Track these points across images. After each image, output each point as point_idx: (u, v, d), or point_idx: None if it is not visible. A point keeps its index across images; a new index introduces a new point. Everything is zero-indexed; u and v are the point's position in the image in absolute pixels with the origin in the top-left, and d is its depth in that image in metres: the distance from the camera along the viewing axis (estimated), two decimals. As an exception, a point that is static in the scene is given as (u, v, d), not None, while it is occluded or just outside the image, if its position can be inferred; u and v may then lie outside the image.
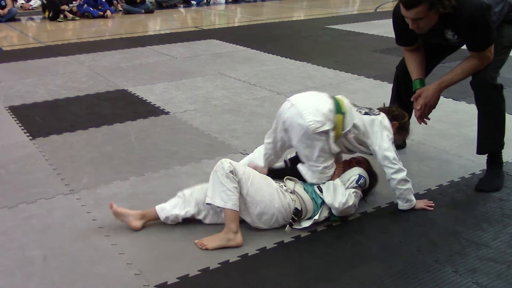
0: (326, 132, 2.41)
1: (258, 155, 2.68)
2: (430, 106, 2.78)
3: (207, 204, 2.34)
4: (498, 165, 2.87)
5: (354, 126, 2.50)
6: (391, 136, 2.53)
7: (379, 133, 2.50)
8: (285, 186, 2.46)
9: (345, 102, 2.53)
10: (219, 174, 2.28)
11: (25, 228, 2.50)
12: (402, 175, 2.48)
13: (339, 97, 2.56)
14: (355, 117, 2.51)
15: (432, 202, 2.62)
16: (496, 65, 2.68)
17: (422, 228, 2.44)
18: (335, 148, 2.50)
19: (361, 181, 2.50)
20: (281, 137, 2.55)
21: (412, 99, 2.83)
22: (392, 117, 2.63)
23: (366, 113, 2.56)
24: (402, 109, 2.75)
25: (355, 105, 2.60)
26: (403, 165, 2.51)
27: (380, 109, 2.69)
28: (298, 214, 2.40)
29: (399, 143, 2.83)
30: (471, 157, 3.18)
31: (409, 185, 2.52)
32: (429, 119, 2.87)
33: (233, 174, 2.28)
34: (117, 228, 2.48)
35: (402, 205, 2.55)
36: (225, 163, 2.31)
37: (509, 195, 2.73)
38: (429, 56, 2.90)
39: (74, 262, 2.22)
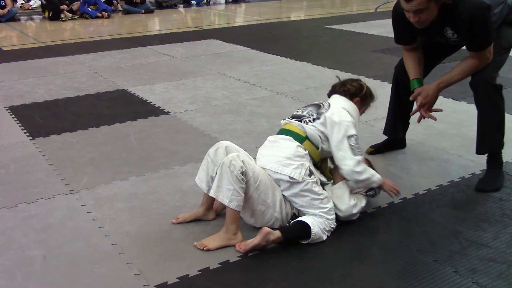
0: (310, 173, 2.35)
1: None
2: (428, 106, 2.78)
3: (210, 196, 2.33)
4: (498, 165, 2.87)
5: (320, 138, 2.44)
6: (345, 129, 2.39)
7: (330, 132, 2.42)
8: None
9: (295, 125, 2.47)
10: (229, 171, 2.22)
11: (25, 228, 2.50)
12: (355, 177, 2.39)
13: (286, 126, 2.50)
14: (313, 131, 2.44)
15: (398, 187, 2.56)
16: (495, 66, 2.69)
17: (422, 228, 2.44)
18: (324, 179, 2.47)
19: (370, 192, 2.49)
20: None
21: (411, 98, 2.83)
22: (350, 95, 2.58)
23: (315, 119, 2.46)
24: (404, 112, 2.72)
25: (300, 118, 2.50)
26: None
27: (335, 89, 2.62)
28: (294, 219, 2.39)
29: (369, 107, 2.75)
30: (471, 157, 3.18)
31: (367, 181, 2.42)
32: (435, 119, 2.85)
33: (243, 175, 2.24)
34: (117, 228, 2.48)
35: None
36: (238, 162, 2.24)
37: (509, 195, 2.73)
38: (428, 56, 2.90)
39: (74, 262, 2.22)
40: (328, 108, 2.49)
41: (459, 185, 2.86)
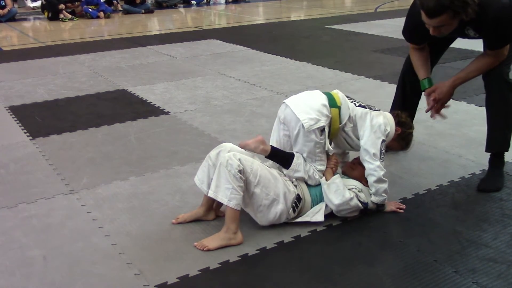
0: (322, 130, 2.42)
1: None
2: (442, 102, 2.76)
3: (209, 196, 2.35)
4: (500, 165, 2.86)
5: (350, 118, 2.51)
6: (382, 133, 2.50)
7: (368, 128, 2.49)
8: (288, 177, 2.48)
9: (340, 95, 2.55)
10: (227, 170, 2.25)
11: (25, 228, 2.50)
12: (380, 173, 2.47)
13: (334, 91, 2.58)
14: (349, 110, 2.52)
15: (403, 205, 2.61)
16: (508, 62, 2.67)
17: (422, 228, 2.44)
18: (331, 148, 2.52)
19: (364, 205, 2.50)
20: (284, 134, 2.55)
21: (425, 94, 2.81)
22: (398, 122, 2.62)
23: (360, 106, 2.55)
24: (409, 112, 2.74)
25: (349, 97, 2.60)
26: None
27: (391, 112, 2.69)
28: (300, 200, 2.43)
29: (396, 151, 2.80)
30: (471, 157, 3.18)
31: (385, 185, 2.50)
32: (445, 117, 2.85)
33: (241, 174, 2.26)
34: (117, 228, 2.48)
35: (374, 199, 2.52)
36: (235, 161, 2.26)
37: (509, 195, 2.73)
38: (435, 48, 2.88)
39: (74, 262, 2.22)
40: (379, 110, 2.58)
41: (459, 185, 2.86)
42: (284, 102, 2.52)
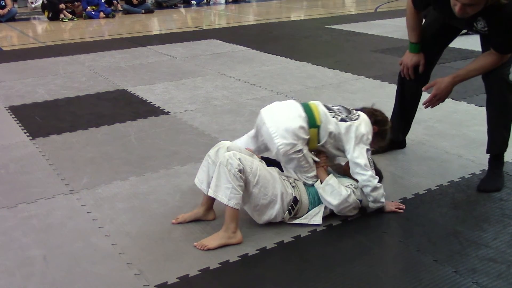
0: (298, 151, 2.42)
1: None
2: (439, 98, 2.75)
3: (209, 196, 2.35)
4: (500, 165, 2.86)
5: (330, 135, 2.48)
6: (365, 143, 2.49)
7: (353, 140, 2.47)
8: (286, 177, 2.48)
9: (320, 111, 2.49)
10: (227, 170, 2.25)
11: (25, 228, 2.50)
12: (374, 182, 2.45)
13: (313, 105, 2.52)
14: (330, 127, 2.47)
15: (403, 205, 2.61)
16: (509, 63, 2.66)
17: (422, 228, 2.44)
18: (316, 159, 2.52)
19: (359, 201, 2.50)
20: (262, 141, 2.58)
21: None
22: (374, 121, 2.60)
23: (342, 119, 2.50)
24: (405, 112, 2.73)
25: (330, 109, 2.54)
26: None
27: (365, 109, 2.65)
28: (296, 202, 2.42)
29: (374, 149, 2.79)
30: (471, 157, 3.18)
31: (381, 191, 2.49)
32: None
33: (241, 173, 2.26)
34: (117, 228, 2.48)
35: (373, 205, 2.52)
36: (235, 160, 2.26)
37: (509, 195, 2.73)
38: (439, 42, 2.89)
39: (74, 262, 2.22)
40: (358, 118, 2.54)
41: (459, 185, 2.86)
42: (261, 117, 2.49)
